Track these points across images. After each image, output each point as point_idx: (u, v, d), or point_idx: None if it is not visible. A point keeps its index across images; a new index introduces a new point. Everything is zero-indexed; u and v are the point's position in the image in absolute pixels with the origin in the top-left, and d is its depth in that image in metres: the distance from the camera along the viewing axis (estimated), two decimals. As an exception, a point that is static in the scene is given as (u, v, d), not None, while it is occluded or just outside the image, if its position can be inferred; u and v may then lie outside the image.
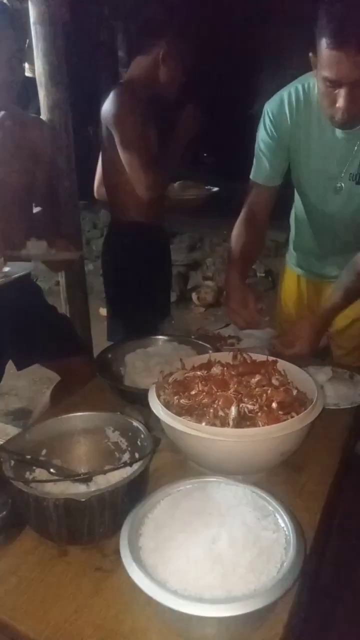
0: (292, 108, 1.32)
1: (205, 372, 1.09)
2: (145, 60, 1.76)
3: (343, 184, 1.36)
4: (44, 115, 2.08)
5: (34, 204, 1.69)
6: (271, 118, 1.37)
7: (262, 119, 1.40)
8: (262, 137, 1.41)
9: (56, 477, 0.90)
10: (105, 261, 2.06)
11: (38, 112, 2.08)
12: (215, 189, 2.05)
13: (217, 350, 1.33)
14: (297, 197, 1.59)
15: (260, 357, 1.15)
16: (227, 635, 0.70)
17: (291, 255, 1.74)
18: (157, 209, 1.92)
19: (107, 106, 1.74)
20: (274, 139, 1.39)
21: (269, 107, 1.38)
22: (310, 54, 1.13)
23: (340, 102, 1.13)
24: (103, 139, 1.83)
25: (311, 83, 1.28)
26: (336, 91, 1.12)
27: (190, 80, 1.85)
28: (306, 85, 1.30)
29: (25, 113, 1.67)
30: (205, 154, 5.65)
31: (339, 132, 1.28)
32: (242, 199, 1.57)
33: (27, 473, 0.92)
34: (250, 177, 1.49)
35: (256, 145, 1.45)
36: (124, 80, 1.83)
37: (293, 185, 1.54)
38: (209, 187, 2.09)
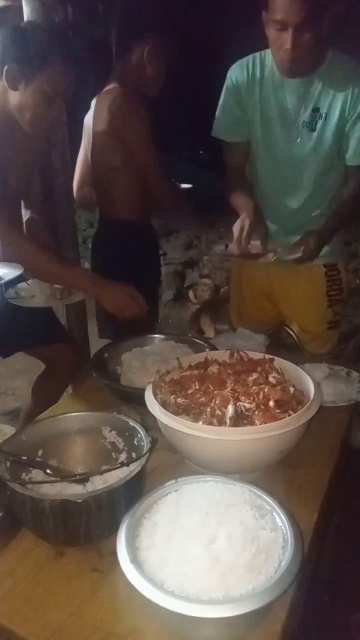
0: (249, 69, 1.50)
1: (202, 370, 1.08)
2: (131, 61, 1.73)
3: (298, 133, 1.48)
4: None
5: (27, 210, 1.68)
6: (232, 80, 1.53)
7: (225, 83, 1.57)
8: (223, 97, 1.57)
9: (52, 478, 0.89)
10: (95, 259, 2.05)
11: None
12: (188, 186, 2.03)
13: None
14: (252, 169, 1.63)
15: (257, 355, 1.14)
16: (226, 635, 0.70)
17: None
18: (148, 207, 1.92)
19: (116, 111, 1.70)
20: (233, 97, 1.54)
21: (230, 73, 1.54)
22: (263, 12, 1.32)
23: (287, 44, 1.29)
24: (94, 139, 1.81)
25: (266, 52, 1.48)
26: (284, 35, 1.29)
27: (178, 79, 1.83)
28: (263, 53, 1.49)
29: None
30: (201, 151, 5.65)
31: (290, 83, 1.44)
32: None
33: (24, 474, 0.91)
34: (212, 133, 1.63)
35: (218, 107, 1.59)
36: (113, 83, 1.79)
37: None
38: (181, 184, 2.07)
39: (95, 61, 1.75)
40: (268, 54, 1.46)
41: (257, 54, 1.50)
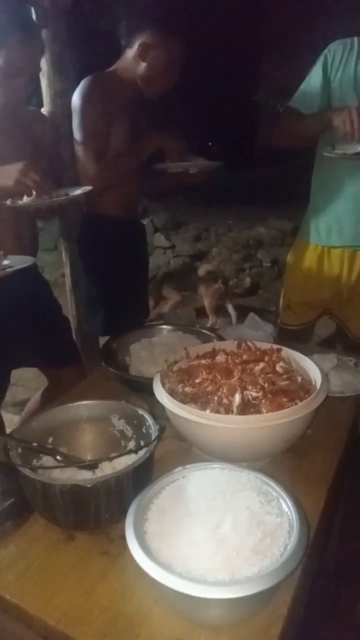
0: (346, 44, 1.61)
1: (210, 360, 1.09)
2: (129, 53, 1.76)
3: None
4: (46, 105, 2.06)
5: None
6: (327, 52, 1.63)
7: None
8: (313, 70, 1.65)
9: (63, 464, 0.91)
10: (81, 252, 2.04)
11: (40, 102, 2.07)
12: (219, 163, 1.93)
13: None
14: (323, 154, 1.63)
15: (264, 345, 1.15)
16: (231, 617, 0.71)
17: (308, 226, 1.77)
18: (132, 202, 1.92)
19: (75, 93, 1.78)
20: (322, 69, 1.62)
21: (329, 46, 1.64)
22: None
23: None
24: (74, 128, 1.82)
25: None
26: None
27: (183, 81, 1.82)
28: None
29: (27, 107, 1.66)
30: (210, 143, 5.62)
31: None
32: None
33: (35, 460, 0.93)
34: (289, 104, 1.69)
35: (305, 81, 1.68)
36: (109, 70, 1.82)
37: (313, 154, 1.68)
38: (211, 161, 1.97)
39: (108, 54, 1.77)
40: None
41: (356, 37, 1.61)
